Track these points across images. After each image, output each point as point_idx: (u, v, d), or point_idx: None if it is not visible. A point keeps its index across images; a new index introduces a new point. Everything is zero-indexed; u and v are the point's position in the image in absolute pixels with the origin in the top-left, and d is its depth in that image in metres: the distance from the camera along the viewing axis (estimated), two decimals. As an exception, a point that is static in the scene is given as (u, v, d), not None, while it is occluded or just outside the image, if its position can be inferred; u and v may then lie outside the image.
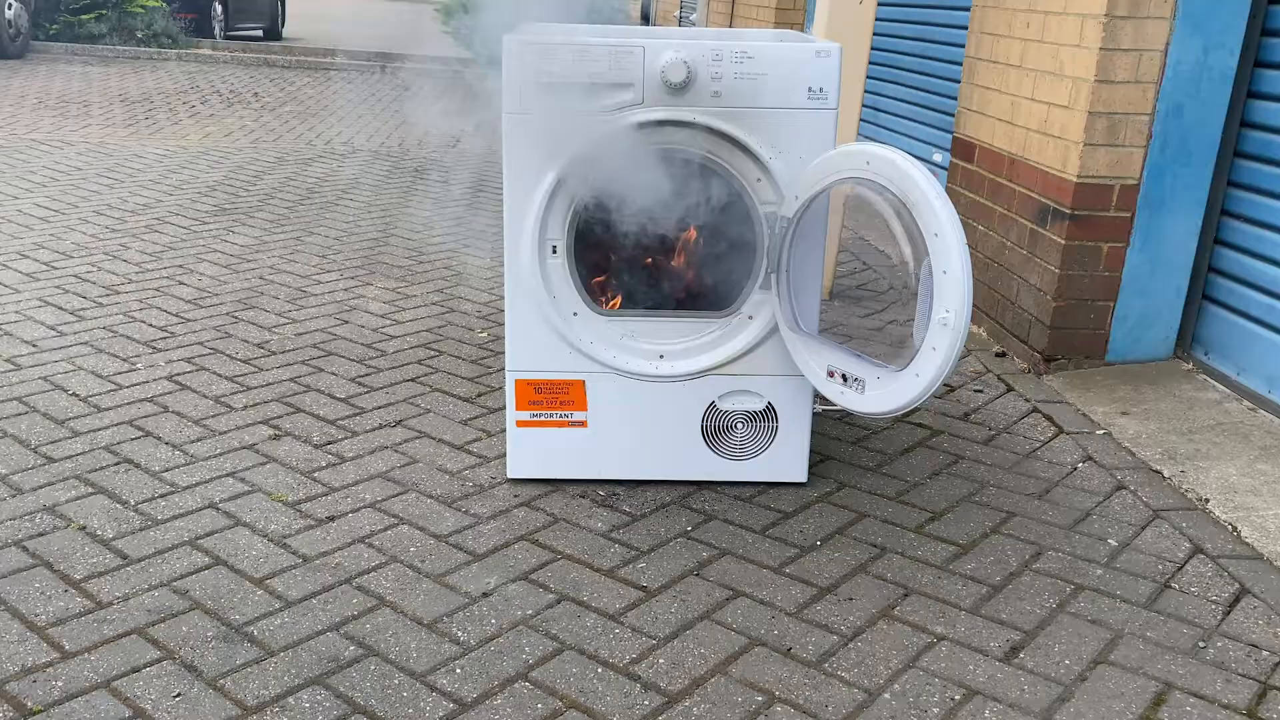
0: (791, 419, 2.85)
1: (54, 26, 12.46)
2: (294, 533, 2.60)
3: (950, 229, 2.24)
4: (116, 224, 5.39)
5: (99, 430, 3.10)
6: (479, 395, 3.47)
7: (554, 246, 2.72)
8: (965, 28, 4.60)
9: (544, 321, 2.76)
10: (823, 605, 2.37)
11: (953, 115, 4.72)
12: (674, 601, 2.37)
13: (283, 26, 16.83)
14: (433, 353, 3.83)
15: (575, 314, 2.77)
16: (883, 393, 2.45)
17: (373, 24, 18.65)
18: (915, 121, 5.44)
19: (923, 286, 2.33)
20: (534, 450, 2.87)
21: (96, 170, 6.60)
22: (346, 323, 4.11)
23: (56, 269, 4.62)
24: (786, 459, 2.88)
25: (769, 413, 2.84)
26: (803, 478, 2.90)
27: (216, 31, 14.20)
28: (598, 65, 2.57)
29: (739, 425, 2.85)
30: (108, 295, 4.29)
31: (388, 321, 4.14)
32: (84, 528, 2.58)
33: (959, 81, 4.64)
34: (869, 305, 4.60)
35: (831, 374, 2.58)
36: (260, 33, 16.19)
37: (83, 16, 12.49)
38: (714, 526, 2.70)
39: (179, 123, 8.43)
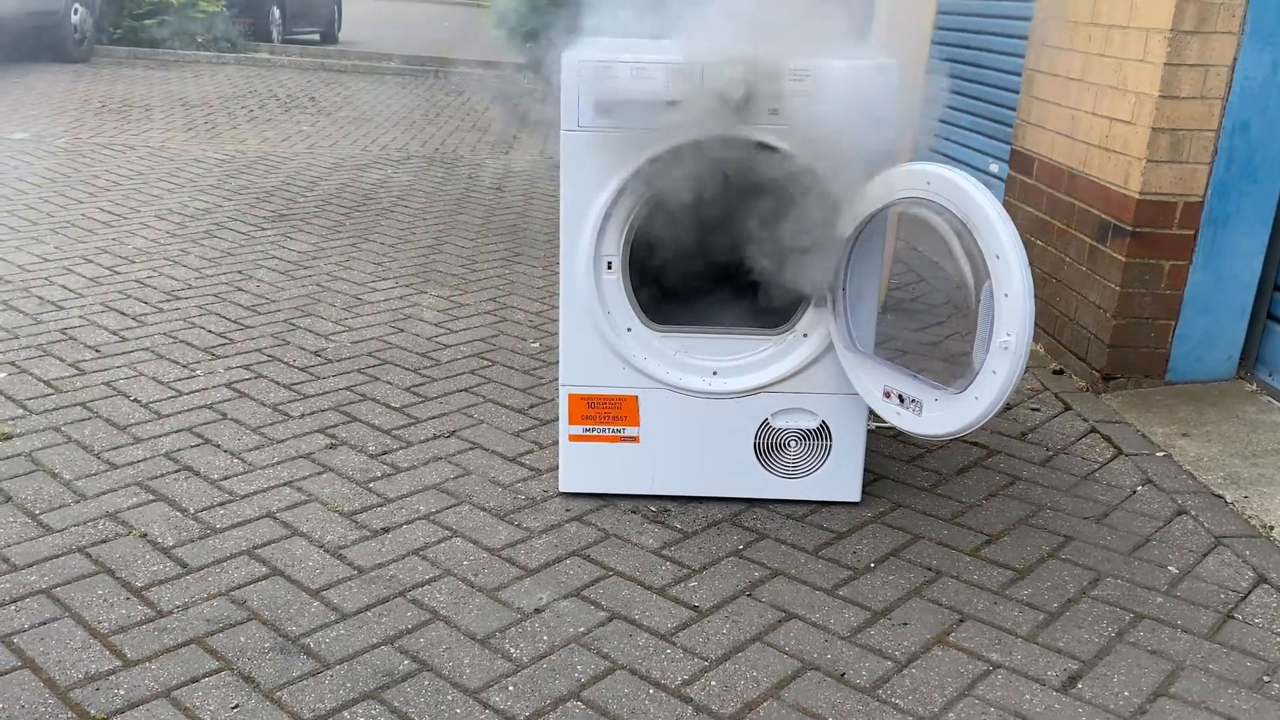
0: (846, 438, 2.83)
1: (117, 30, 12.70)
2: (350, 544, 2.63)
3: (1013, 251, 2.21)
4: (177, 229, 5.48)
5: (159, 437, 3.16)
6: (531, 406, 3.48)
7: (609, 262, 2.72)
8: (1024, 38, 4.54)
9: (598, 337, 2.77)
10: (876, 629, 2.35)
11: (1010, 126, 4.66)
12: (726, 622, 2.36)
13: (339, 31, 17.03)
14: (486, 362, 3.86)
15: (629, 330, 2.77)
16: (941, 415, 2.42)
17: (428, 28, 18.81)
18: (972, 131, 5.38)
19: (983, 309, 2.30)
20: (586, 464, 2.88)
21: (158, 175, 6.72)
22: (401, 331, 4.15)
23: (119, 274, 4.71)
24: (840, 478, 2.86)
25: (823, 431, 2.82)
26: (856, 497, 2.88)
27: (274, 36, 14.40)
28: (655, 83, 2.57)
29: (792, 443, 2.84)
30: (168, 301, 4.37)
31: (442, 330, 4.17)
32: (145, 535, 2.63)
33: (1017, 93, 4.59)
34: (923, 319, 4.55)
35: (888, 394, 2.56)
36: (317, 37, 16.40)
37: (145, 21, 12.73)
38: (766, 546, 2.68)
39: (237, 127, 8.55)
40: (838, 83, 2.55)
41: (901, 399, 2.52)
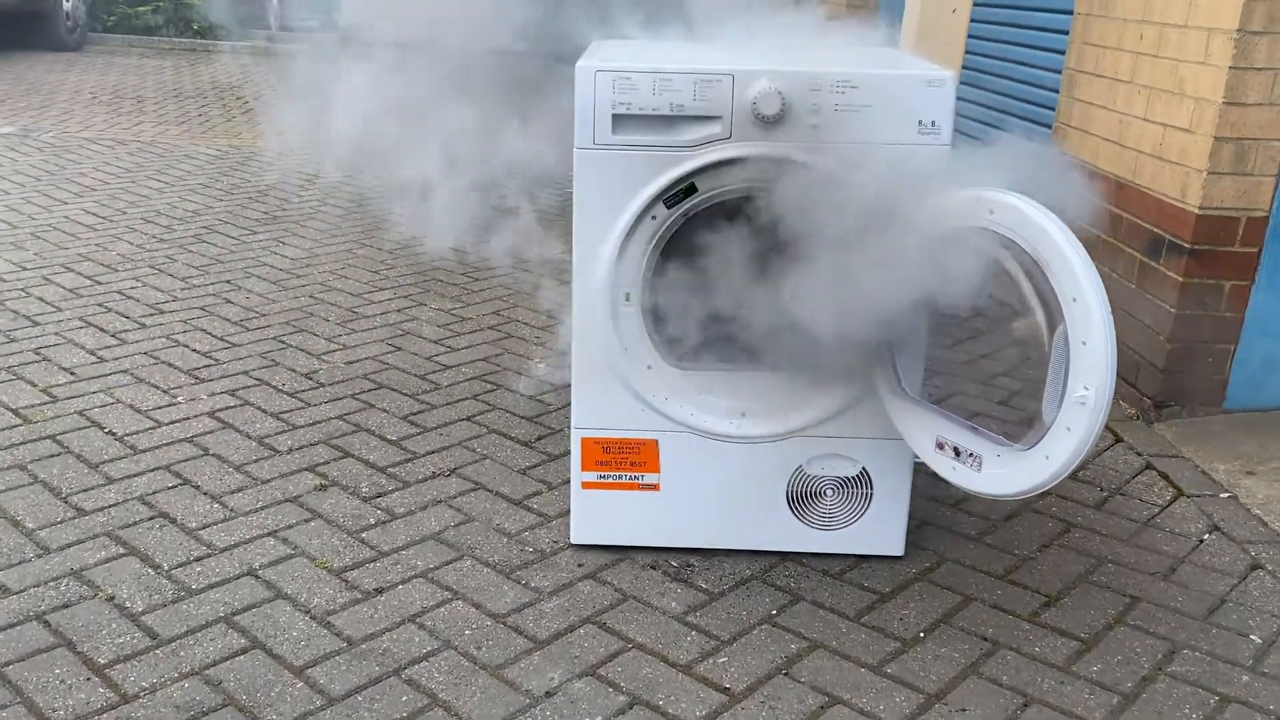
0: (888, 486, 2.56)
1: (111, 18, 12.41)
2: (338, 608, 2.37)
3: (1093, 294, 1.94)
4: (164, 233, 5.21)
5: (134, 476, 2.89)
6: (538, 438, 3.21)
7: (627, 294, 2.45)
8: (1065, 32, 4.24)
9: (614, 375, 2.49)
10: (932, 718, 2.09)
11: (1048, 128, 4.37)
12: (762, 709, 2.09)
13: (339, 17, 16.71)
14: (489, 386, 3.59)
15: (649, 367, 2.50)
16: (1004, 473, 2.15)
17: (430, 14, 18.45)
18: (1006, 132, 5.09)
19: (1056, 356, 2.03)
20: (600, 514, 2.61)
21: (147, 172, 6.45)
22: (399, 350, 3.87)
23: (100, 284, 4.44)
24: (881, 530, 2.59)
25: (863, 479, 2.56)
26: (899, 551, 2.61)
27: (273, 23, 14.08)
28: (681, 95, 2.29)
29: (829, 492, 2.57)
30: (151, 315, 4.10)
31: (442, 348, 3.90)
32: (112, 598, 2.36)
33: (1056, 93, 4.30)
34: (952, 333, 4.26)
35: (942, 445, 2.28)
36: (316, 24, 16.06)
37: (139, 8, 12.43)
38: (802, 610, 2.42)
39: (232, 120, 8.28)
40: (887, 95, 2.27)
41: (958, 452, 2.24)
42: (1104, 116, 3.85)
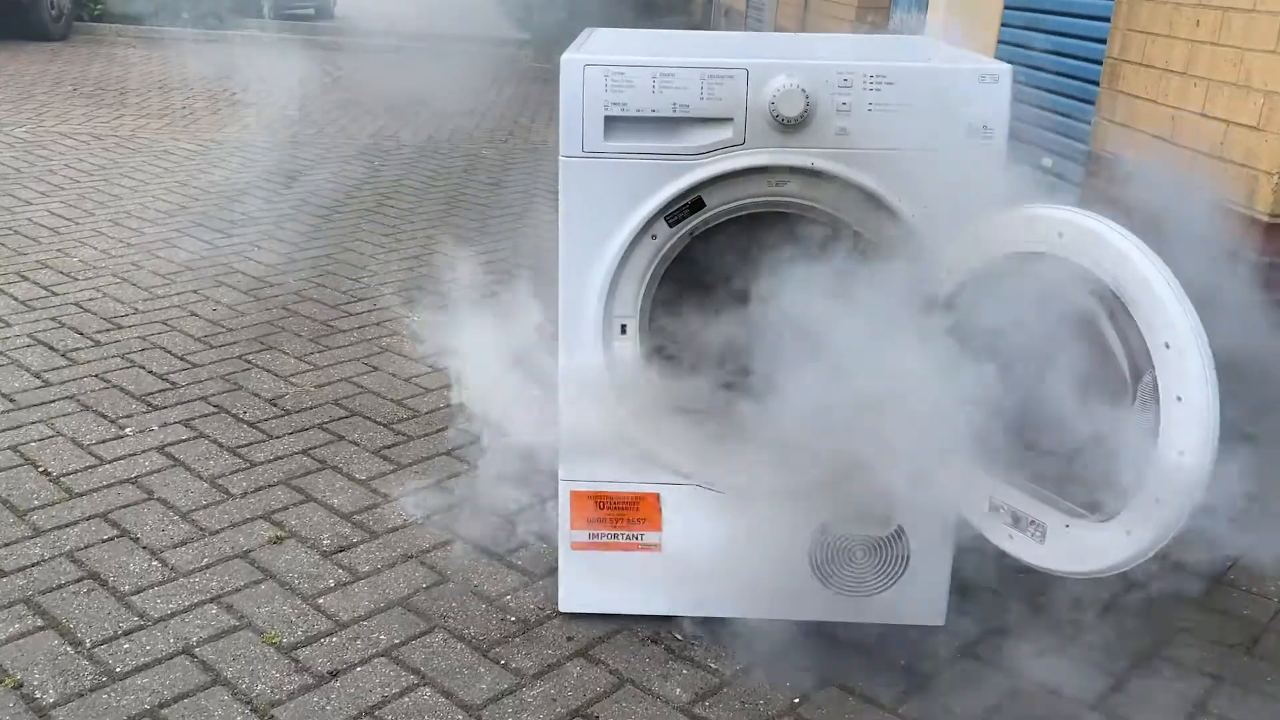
0: (928, 546, 2.21)
1: (98, 6, 12.05)
2: (285, 697, 2.02)
3: (1191, 339, 1.58)
4: (133, 236, 4.86)
5: (66, 527, 2.54)
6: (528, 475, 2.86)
7: (623, 326, 2.09)
8: (1107, 19, 3.87)
9: (608, 420, 2.14)
10: (989, 846, 1.74)
11: (1087, 124, 4.01)
12: (784, 835, 1.75)
13: (334, 5, 16.34)
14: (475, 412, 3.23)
15: (648, 410, 2.14)
16: (1073, 547, 1.79)
17: (430, 2, 18.06)
18: (1032, 125, 4.72)
19: (1143, 411, 1.67)
20: (593, 578, 2.26)
21: (122, 170, 6.09)
22: (376, 370, 3.52)
23: (56, 295, 4.09)
24: (919, 597, 2.24)
25: (898, 538, 2.20)
26: (940, 620, 2.26)
27: (265, 12, 13.72)
28: (686, 94, 1.94)
29: (859, 553, 2.22)
30: (107, 331, 3.75)
31: (424, 368, 3.55)
32: (20, 686, 2.02)
33: (1096, 85, 3.93)
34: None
35: (996, 509, 1.93)
36: (312, 11, 15.71)
37: (127, -5, 12.06)
38: (829, 698, 2.07)
39: (217, 112, 7.92)
40: (930, 92, 1.91)
41: (1016, 518, 1.89)
42: (1152, 111, 3.49)
